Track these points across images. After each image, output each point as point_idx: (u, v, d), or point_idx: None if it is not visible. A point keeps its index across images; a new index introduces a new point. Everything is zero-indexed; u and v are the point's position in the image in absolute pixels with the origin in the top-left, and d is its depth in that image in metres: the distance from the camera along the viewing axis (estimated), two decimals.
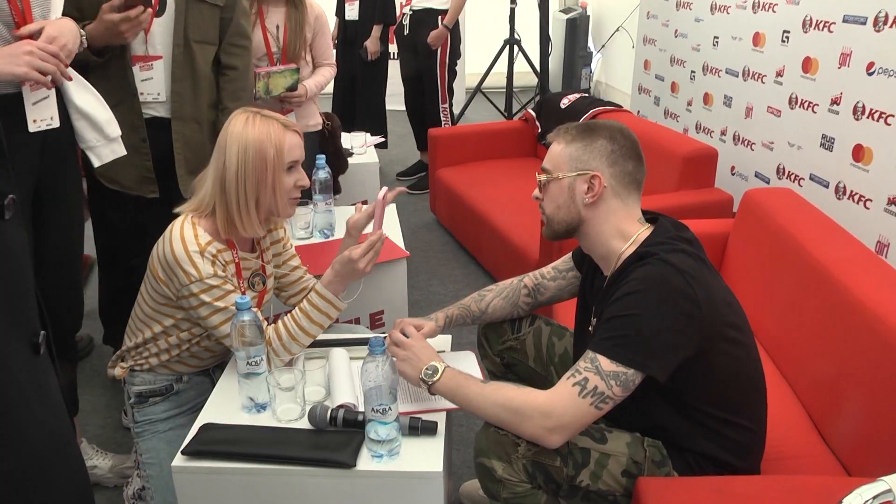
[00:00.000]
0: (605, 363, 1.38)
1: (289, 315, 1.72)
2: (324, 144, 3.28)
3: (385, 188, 1.70)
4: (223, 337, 1.69)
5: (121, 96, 2.12)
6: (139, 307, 1.80)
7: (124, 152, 1.95)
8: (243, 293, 1.77)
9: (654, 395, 1.47)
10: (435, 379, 1.51)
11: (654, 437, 1.53)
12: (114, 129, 1.91)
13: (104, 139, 1.88)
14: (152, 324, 1.78)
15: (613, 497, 1.49)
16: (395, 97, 6.64)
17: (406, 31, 4.57)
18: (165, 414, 1.85)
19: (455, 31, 4.53)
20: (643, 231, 1.52)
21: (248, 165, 1.65)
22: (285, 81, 2.82)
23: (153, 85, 2.17)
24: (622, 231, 1.52)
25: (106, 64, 2.06)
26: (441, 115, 4.68)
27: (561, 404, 1.39)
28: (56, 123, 1.76)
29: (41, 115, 1.73)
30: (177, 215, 1.73)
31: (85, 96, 1.84)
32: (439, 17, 4.40)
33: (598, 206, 1.51)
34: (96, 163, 1.90)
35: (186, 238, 1.65)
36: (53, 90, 1.75)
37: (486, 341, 1.93)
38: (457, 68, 4.72)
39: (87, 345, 2.89)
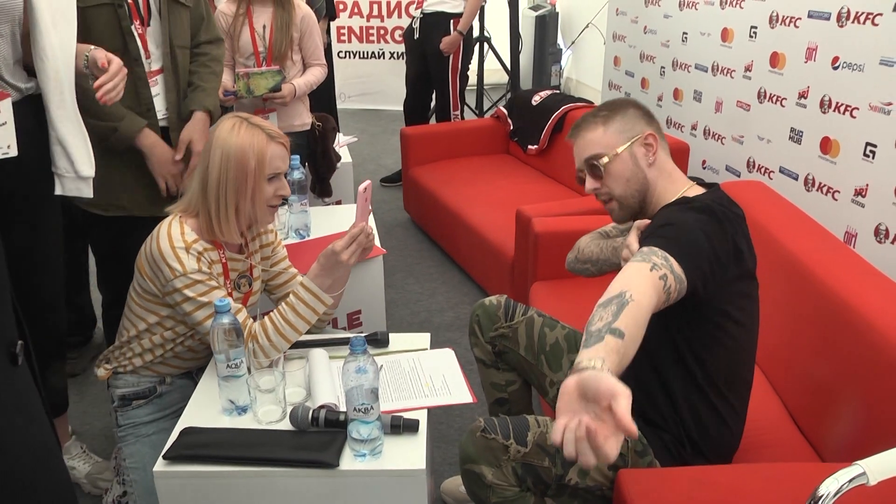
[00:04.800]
0: (675, 265, 1.36)
1: (275, 310, 1.73)
2: (313, 145, 3.27)
3: (368, 181, 1.70)
4: (207, 333, 1.69)
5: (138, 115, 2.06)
6: (127, 306, 1.81)
7: (90, 194, 1.86)
8: (229, 294, 1.77)
9: (668, 354, 1.53)
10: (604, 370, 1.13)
11: (652, 398, 1.57)
12: (86, 168, 1.82)
13: (73, 173, 1.80)
14: (137, 321, 1.78)
15: (601, 491, 1.51)
16: (369, 96, 6.67)
17: (416, 35, 4.39)
18: (149, 417, 1.84)
19: (467, 36, 4.39)
20: (692, 187, 1.60)
21: (230, 173, 1.66)
22: (267, 83, 2.82)
23: (160, 101, 2.11)
24: (678, 188, 1.60)
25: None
26: (452, 122, 4.55)
27: (652, 296, 1.28)
28: (14, 153, 1.66)
29: (0, 143, 1.64)
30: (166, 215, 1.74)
31: (69, 125, 1.77)
32: (451, 21, 4.26)
33: (656, 163, 1.60)
34: (58, 190, 1.82)
35: (173, 234, 1.66)
36: (11, 118, 1.64)
37: (478, 328, 1.94)
38: (468, 73, 4.57)
39: (102, 342, 2.83)
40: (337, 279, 1.75)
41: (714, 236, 1.43)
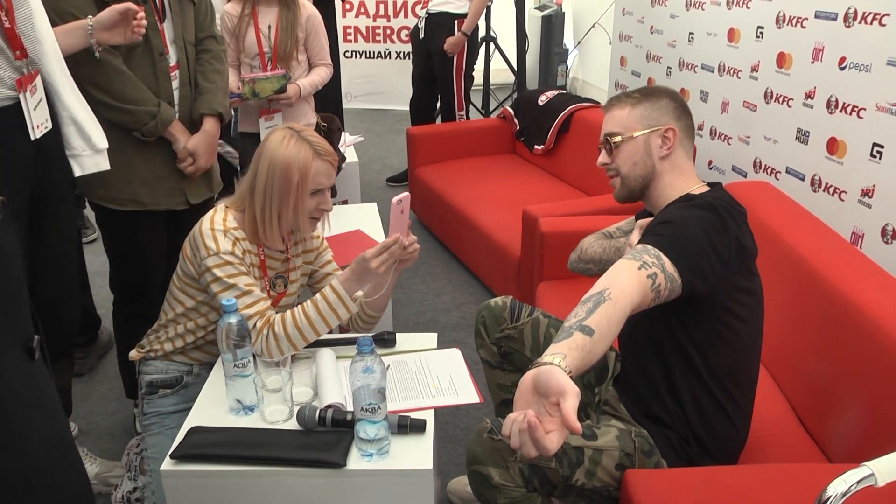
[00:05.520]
0: (668, 264, 1.39)
1: (300, 305, 1.75)
2: None
3: (404, 194, 1.70)
4: None
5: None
6: (169, 291, 1.89)
7: (108, 166, 1.93)
8: (267, 291, 1.83)
9: (673, 352, 1.54)
10: (565, 368, 1.10)
11: (659, 396, 1.57)
12: (101, 140, 1.90)
13: (90, 149, 1.88)
14: (176, 305, 1.85)
15: (608, 492, 1.51)
16: (375, 96, 6.68)
17: (421, 35, 4.41)
18: (173, 408, 1.89)
19: (473, 36, 4.38)
20: (700, 186, 1.63)
21: (274, 184, 1.73)
22: (272, 86, 2.82)
23: (177, 95, 2.14)
24: (685, 185, 1.62)
25: (142, 69, 2.04)
26: (458, 122, 4.52)
27: (635, 294, 1.31)
28: (50, 125, 1.78)
29: (40, 120, 1.74)
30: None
31: (76, 102, 1.84)
32: (456, 21, 4.26)
33: (669, 157, 1.63)
34: (77, 172, 1.89)
35: (215, 219, 1.76)
36: (44, 94, 1.75)
37: (484, 329, 1.94)
38: (473, 73, 4.55)
39: (108, 341, 2.86)
40: (375, 286, 1.80)
41: (714, 232, 1.44)
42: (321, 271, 2.01)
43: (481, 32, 5.35)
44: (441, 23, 4.30)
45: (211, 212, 1.79)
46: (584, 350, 1.15)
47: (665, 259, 1.38)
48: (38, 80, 1.73)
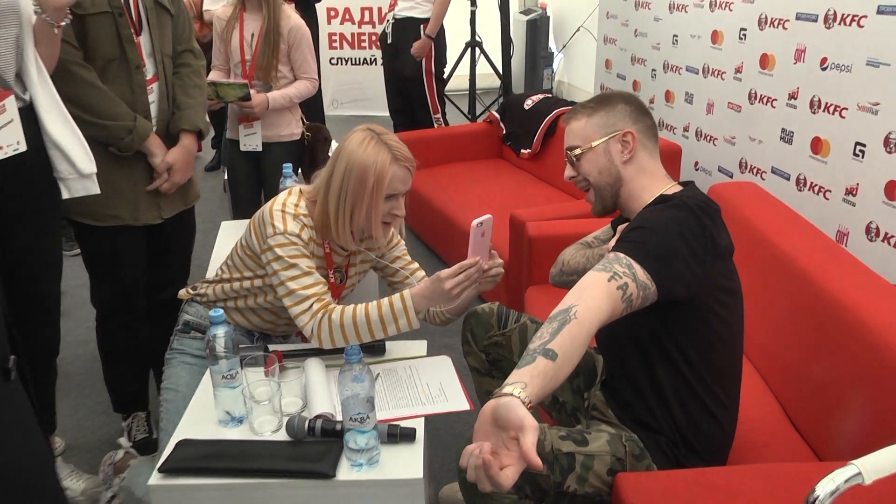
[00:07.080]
0: (640, 272, 1.38)
1: (365, 303, 1.74)
2: (301, 154, 3.26)
3: (486, 216, 1.66)
4: (284, 295, 1.72)
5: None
6: (230, 255, 1.92)
7: (97, 191, 1.91)
8: (330, 282, 1.84)
9: (657, 354, 1.53)
10: (525, 399, 1.11)
11: (646, 401, 1.57)
12: (86, 165, 1.87)
13: (76, 173, 1.86)
14: (233, 270, 1.88)
15: (600, 498, 1.51)
16: (362, 102, 6.69)
17: (389, 40, 4.44)
18: (198, 352, 1.91)
19: (440, 39, 4.40)
20: (673, 186, 1.62)
21: (350, 185, 1.72)
22: (235, 92, 2.82)
23: (154, 109, 2.12)
24: (657, 187, 1.61)
25: (118, 82, 2.02)
26: (434, 125, 4.55)
27: (604, 308, 1.30)
28: (23, 147, 1.73)
29: (6, 141, 1.69)
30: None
31: (60, 127, 1.82)
32: (421, 25, 4.29)
33: (633, 161, 1.62)
34: (65, 194, 1.87)
35: (287, 201, 1.77)
36: (17, 114, 1.71)
37: (471, 337, 1.93)
38: (444, 77, 4.58)
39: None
40: (451, 305, 1.81)
41: (690, 233, 1.44)
42: (391, 266, 1.99)
43: (466, 37, 5.37)
44: (407, 27, 4.33)
45: (284, 193, 1.79)
46: (546, 376, 1.15)
47: (637, 267, 1.37)
48: (9, 101, 1.68)
